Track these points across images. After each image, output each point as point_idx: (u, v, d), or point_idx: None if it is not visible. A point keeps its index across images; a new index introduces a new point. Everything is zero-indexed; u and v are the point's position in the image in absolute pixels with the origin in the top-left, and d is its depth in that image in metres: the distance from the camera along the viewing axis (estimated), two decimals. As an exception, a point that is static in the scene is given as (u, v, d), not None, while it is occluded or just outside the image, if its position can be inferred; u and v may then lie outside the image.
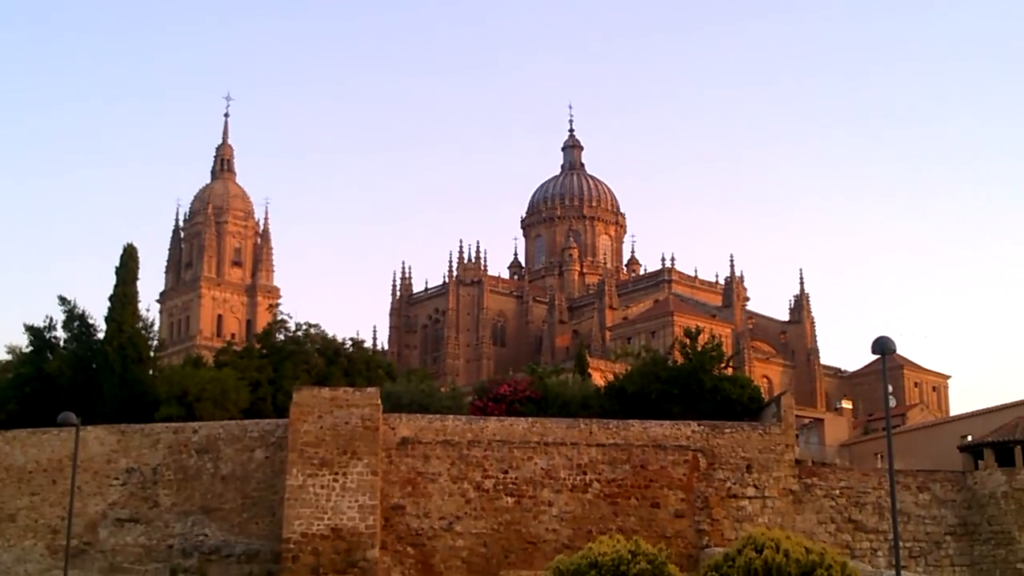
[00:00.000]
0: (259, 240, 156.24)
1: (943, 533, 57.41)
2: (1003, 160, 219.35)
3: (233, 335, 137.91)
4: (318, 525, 51.64)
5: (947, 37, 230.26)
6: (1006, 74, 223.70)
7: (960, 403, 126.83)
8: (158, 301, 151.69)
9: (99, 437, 56.71)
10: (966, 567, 56.53)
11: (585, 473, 55.80)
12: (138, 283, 66.51)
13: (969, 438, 61.08)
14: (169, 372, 67.90)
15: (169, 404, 60.36)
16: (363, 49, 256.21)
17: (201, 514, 55.41)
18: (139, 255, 66.94)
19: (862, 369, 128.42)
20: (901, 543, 54.03)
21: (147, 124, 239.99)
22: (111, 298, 65.05)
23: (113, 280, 65.59)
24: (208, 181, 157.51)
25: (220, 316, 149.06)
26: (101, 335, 65.72)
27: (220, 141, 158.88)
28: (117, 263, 66.17)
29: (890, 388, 45.39)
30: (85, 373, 63.75)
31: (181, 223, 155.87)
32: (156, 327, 75.25)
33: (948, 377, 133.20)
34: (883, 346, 31.54)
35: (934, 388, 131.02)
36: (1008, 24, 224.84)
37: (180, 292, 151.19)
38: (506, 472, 55.42)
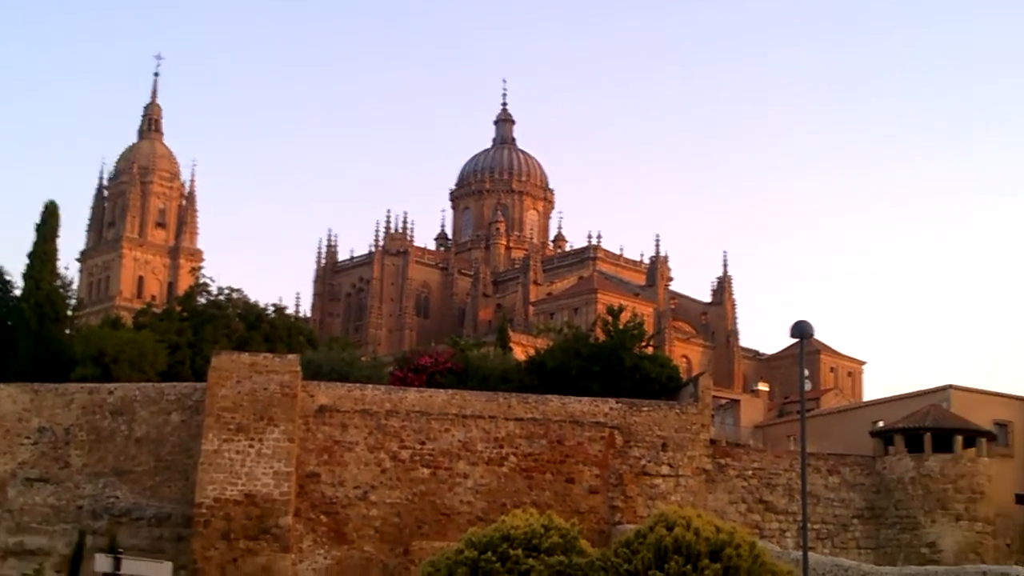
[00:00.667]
0: (184, 202, 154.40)
1: (851, 516, 58.42)
2: (925, 146, 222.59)
3: (154, 297, 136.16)
4: (231, 490, 51.41)
5: (878, 20, 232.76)
6: (935, 62, 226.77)
7: (874, 389, 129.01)
8: (78, 260, 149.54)
9: (12, 395, 55.95)
10: (871, 550, 57.55)
11: (502, 447, 56.04)
12: (58, 241, 65.51)
13: (880, 424, 62.14)
14: (87, 332, 66.98)
15: (85, 364, 59.59)
16: (297, 15, 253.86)
17: (113, 476, 54.88)
18: (60, 213, 65.93)
19: (780, 352, 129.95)
20: (809, 525, 54.90)
21: (74, 81, 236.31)
22: (30, 255, 64.02)
23: (33, 237, 64.60)
24: (135, 140, 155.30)
25: (141, 277, 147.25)
26: (18, 292, 64.72)
27: (148, 100, 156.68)
28: (38, 220, 65.15)
29: (807, 372, 45.93)
30: (0, 330, 62.78)
31: (105, 182, 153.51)
32: (75, 286, 74.24)
33: (863, 363, 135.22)
34: (801, 330, 31.86)
35: (849, 374, 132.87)
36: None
37: (101, 251, 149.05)
38: (423, 443, 55.50)
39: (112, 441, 55.56)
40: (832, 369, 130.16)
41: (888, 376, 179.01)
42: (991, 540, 57.61)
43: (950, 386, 62.67)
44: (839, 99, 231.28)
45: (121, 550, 50.69)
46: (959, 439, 58.06)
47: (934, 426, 58.31)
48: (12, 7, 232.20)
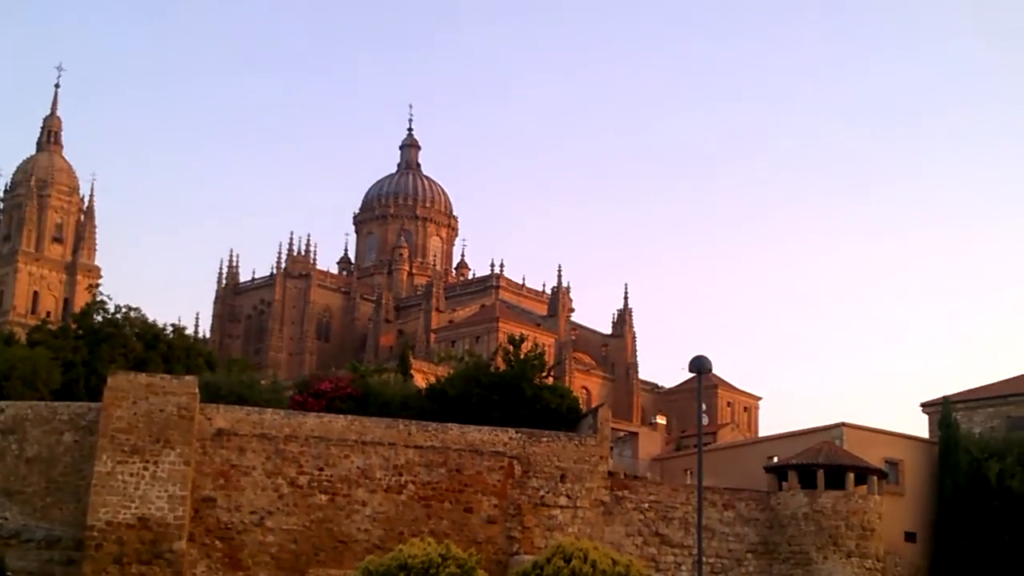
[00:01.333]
0: (83, 217, 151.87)
1: (745, 551, 59.08)
2: (826, 178, 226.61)
3: (49, 313, 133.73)
4: (125, 514, 50.62)
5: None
6: (834, 92, 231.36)
7: (769, 425, 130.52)
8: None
9: (-102, 411, 54.54)
10: (764, 585, 58.26)
11: (401, 474, 55.87)
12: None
13: (775, 459, 62.96)
14: (-23, 348, 65.71)
15: (-25, 381, 58.43)
16: (202, 34, 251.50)
17: (2, 497, 53.63)
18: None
19: (678, 386, 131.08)
20: (704, 559, 55.38)
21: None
22: (-80, 267, 62.72)
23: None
24: (33, 152, 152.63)
25: (36, 293, 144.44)
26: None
27: (48, 112, 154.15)
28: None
29: (704, 407, 46.58)
30: None
31: (1, 194, 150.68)
32: (-33, 300, 72.73)
33: (759, 399, 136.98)
34: (699, 365, 32.35)
35: (745, 408, 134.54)
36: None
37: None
38: (322, 469, 55.13)
39: (1, 460, 54.33)
40: (729, 404, 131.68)
41: (783, 412, 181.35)
42: (881, 577, 58.64)
43: (843, 423, 63.71)
44: (737, 132, 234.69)
45: (10, 573, 49.72)
46: (851, 476, 59.09)
47: (827, 463, 59.27)
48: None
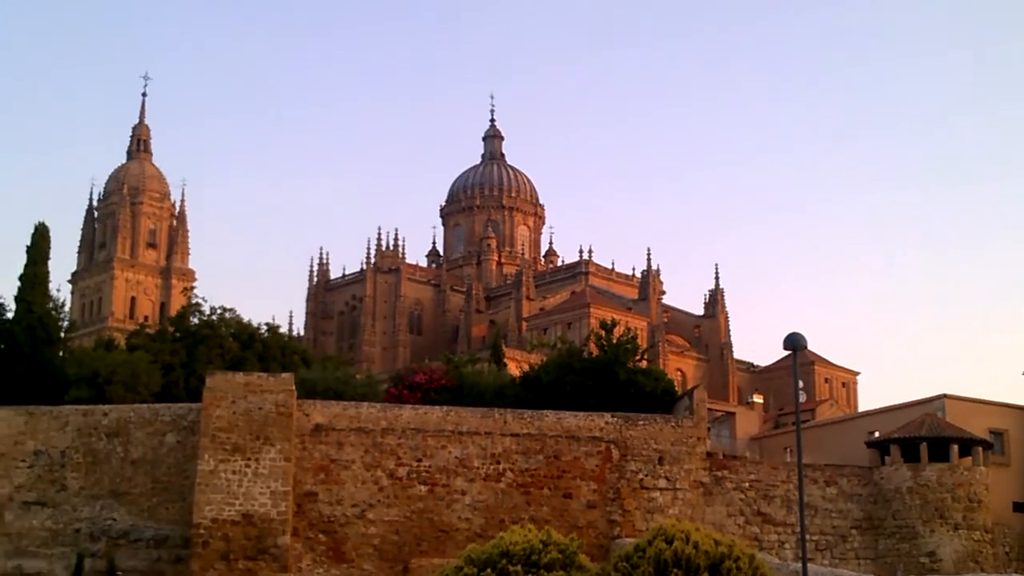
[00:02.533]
0: (175, 222, 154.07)
1: (849, 527, 58.46)
2: (914, 161, 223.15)
3: (146, 318, 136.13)
4: (229, 511, 51.31)
5: (852, 38, 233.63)
6: (925, 85, 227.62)
7: (868, 399, 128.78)
8: (70, 282, 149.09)
9: (6, 418, 55.77)
10: (871, 560, 57.60)
11: (499, 462, 56.01)
12: (49, 263, 65.36)
13: (876, 434, 62.19)
14: (80, 354, 66.89)
15: (79, 386, 59.45)
16: (286, 32, 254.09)
17: (110, 498, 54.76)
18: (51, 235, 65.89)
19: (774, 364, 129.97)
20: (808, 536, 54.91)
21: (63, 102, 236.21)
22: (21, 278, 63.93)
23: (24, 260, 64.49)
24: (124, 161, 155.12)
25: (133, 298, 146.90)
26: (10, 315, 64.55)
27: (137, 121, 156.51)
28: (28, 242, 65.06)
29: (800, 384, 46.07)
30: (-7, 354, 62.63)
31: (95, 203, 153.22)
32: (67, 308, 73.99)
33: (858, 374, 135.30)
34: (794, 342, 31.93)
35: (844, 384, 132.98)
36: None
37: (92, 273, 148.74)
38: (420, 460, 55.45)
39: (108, 463, 55.43)
40: (826, 380, 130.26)
41: (883, 386, 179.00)
42: (990, 548, 57.72)
43: (944, 395, 62.76)
44: (833, 111, 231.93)
45: (120, 572, 50.78)
46: (955, 448, 58.19)
47: (930, 435, 58.43)
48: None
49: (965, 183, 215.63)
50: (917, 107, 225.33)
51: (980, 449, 58.94)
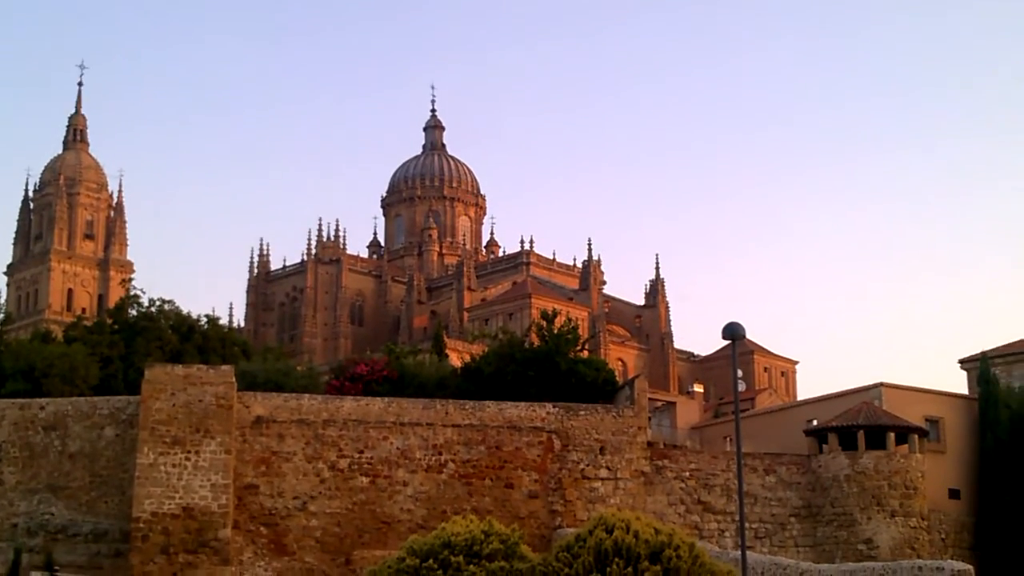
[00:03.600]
0: (112, 213, 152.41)
1: (788, 515, 59.07)
2: (846, 143, 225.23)
3: (84, 310, 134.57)
4: (169, 504, 51.03)
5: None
6: (854, 64, 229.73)
7: (807, 388, 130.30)
8: (5, 274, 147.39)
9: (-59, 412, 55.05)
10: (809, 548, 58.24)
11: (440, 453, 56.06)
12: (-17, 255, 64.69)
13: (814, 422, 62.81)
14: (16, 346, 66.14)
15: (15, 379, 58.85)
16: (222, 19, 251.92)
17: (47, 492, 54.22)
18: (-15, 227, 65.15)
19: (714, 354, 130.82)
20: (747, 524, 55.41)
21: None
22: (-45, 270, 63.20)
23: (-42, 252, 63.74)
24: (60, 151, 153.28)
25: (71, 290, 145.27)
26: (-55, 308, 63.78)
27: (73, 110, 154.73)
28: (-37, 234, 64.27)
29: (740, 373, 46.37)
30: (-74, 346, 61.87)
31: (31, 194, 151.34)
32: (3, 300, 73.18)
33: (796, 363, 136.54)
34: (733, 331, 32.18)
35: (783, 373, 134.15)
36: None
37: (29, 265, 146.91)
38: (361, 452, 55.39)
39: (45, 457, 54.86)
40: (766, 369, 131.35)
41: (821, 375, 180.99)
42: (926, 535, 58.53)
43: (881, 384, 63.49)
44: (765, 97, 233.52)
45: (58, 567, 50.29)
46: (892, 436, 58.90)
47: (867, 423, 59.10)
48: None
49: (898, 167, 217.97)
50: (850, 85, 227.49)
51: (916, 437, 59.71)
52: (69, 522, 53.50)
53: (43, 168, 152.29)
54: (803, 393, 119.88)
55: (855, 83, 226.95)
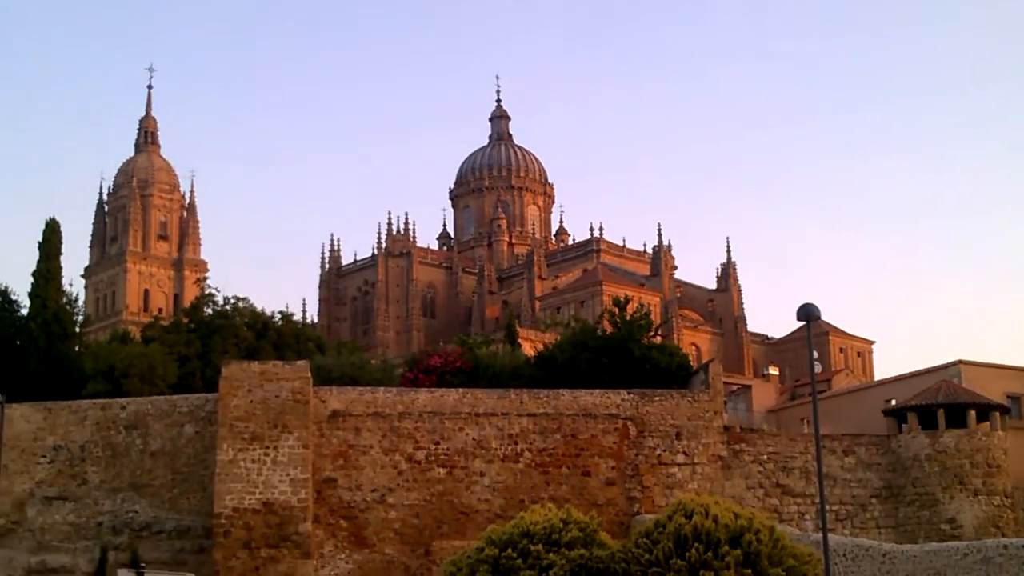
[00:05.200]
0: (185, 213, 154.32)
1: (869, 496, 58.42)
2: (928, 129, 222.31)
3: (160, 310, 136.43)
4: (250, 499, 51.47)
5: (878, 15, 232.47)
6: (949, 55, 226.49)
7: (884, 368, 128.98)
8: (83, 276, 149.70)
9: (25, 415, 55.94)
10: (891, 528, 57.57)
11: (516, 443, 56.07)
12: (62, 258, 65.53)
13: (893, 402, 62.05)
14: (95, 348, 67.09)
15: (96, 380, 59.65)
16: (291, 19, 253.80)
17: (131, 491, 54.98)
18: (62, 230, 66.05)
19: (788, 336, 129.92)
20: (828, 506, 54.89)
21: (69, 97, 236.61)
22: (34, 274, 64.14)
23: (36, 256, 64.68)
24: (132, 154, 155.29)
25: (147, 291, 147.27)
26: (24, 311, 64.76)
27: (143, 113, 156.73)
28: (40, 238, 65.22)
29: (815, 354, 45.88)
30: (9, 350, 62.80)
31: (105, 197, 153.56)
32: (81, 302, 74.15)
33: (872, 343, 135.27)
34: (808, 313, 31.87)
35: (859, 354, 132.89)
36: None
37: (105, 267, 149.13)
38: (437, 443, 55.54)
39: (128, 456, 55.63)
40: (841, 350, 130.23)
41: (898, 354, 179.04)
42: (1010, 513, 57.59)
43: (960, 361, 62.59)
44: (844, 77, 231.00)
45: (143, 564, 51.02)
46: (972, 414, 58.01)
47: (947, 402, 58.26)
48: (2, 25, 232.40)
49: (980, 149, 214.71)
50: (933, 71, 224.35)
51: (997, 414, 58.77)
52: (153, 519, 54.24)
53: (116, 171, 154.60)
54: (880, 373, 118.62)
55: (930, 58, 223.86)
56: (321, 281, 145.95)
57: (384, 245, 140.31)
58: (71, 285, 69.69)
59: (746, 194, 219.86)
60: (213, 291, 73.19)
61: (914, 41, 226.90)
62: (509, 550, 36.95)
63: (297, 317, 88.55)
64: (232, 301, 70.81)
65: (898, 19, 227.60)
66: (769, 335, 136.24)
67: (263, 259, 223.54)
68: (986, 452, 57.47)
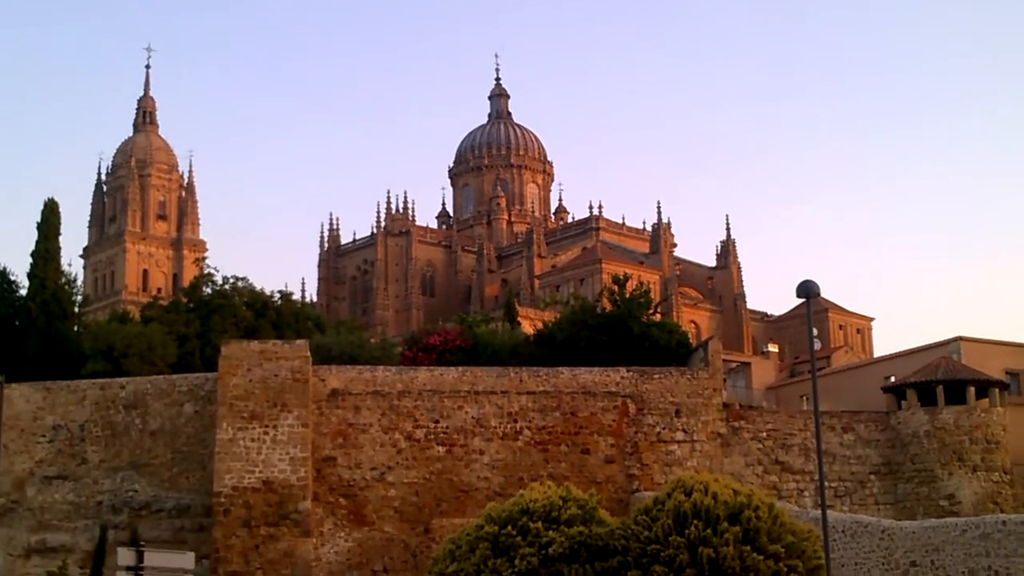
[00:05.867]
0: (184, 193, 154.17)
1: (867, 472, 58.49)
2: (923, 106, 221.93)
3: (159, 289, 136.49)
4: (249, 478, 51.57)
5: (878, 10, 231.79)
6: (933, 29, 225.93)
7: (884, 345, 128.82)
8: (82, 256, 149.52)
9: (24, 394, 55.95)
10: (890, 505, 57.65)
11: (516, 421, 56.10)
12: (60, 238, 65.50)
13: (892, 379, 62.08)
14: (94, 328, 67.11)
15: (95, 360, 59.67)
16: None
17: (130, 470, 55.07)
18: (61, 210, 65.99)
19: (788, 313, 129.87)
20: (827, 483, 54.88)
21: (67, 77, 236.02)
22: (33, 254, 64.10)
23: (35, 236, 64.61)
24: (130, 134, 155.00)
25: (146, 271, 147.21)
26: (23, 292, 64.73)
27: (142, 93, 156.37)
28: (38, 219, 65.15)
29: (815, 331, 45.86)
30: (8, 330, 62.77)
31: (103, 177, 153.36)
32: (80, 283, 74.04)
33: (872, 319, 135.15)
34: (807, 290, 31.78)
35: (858, 330, 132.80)
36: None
37: (104, 247, 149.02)
38: (437, 422, 55.58)
39: (127, 435, 55.68)
40: (841, 327, 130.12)
41: (897, 331, 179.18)
42: (1009, 489, 57.69)
43: (960, 338, 62.63)
44: (838, 49, 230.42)
45: (143, 543, 50.89)
46: (972, 390, 58.04)
47: (946, 378, 58.28)
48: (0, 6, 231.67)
49: (980, 124, 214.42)
50: (925, 41, 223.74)
51: (997, 390, 58.81)
52: (152, 498, 54.34)
53: (115, 151, 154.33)
54: (879, 350, 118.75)
55: (928, 35, 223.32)
56: (320, 260, 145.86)
57: (383, 224, 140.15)
58: (70, 265, 69.73)
59: (745, 171, 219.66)
60: (212, 271, 73.22)
61: (914, 10, 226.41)
62: (509, 528, 37.06)
63: (296, 296, 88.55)
64: (231, 281, 70.78)
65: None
66: (768, 312, 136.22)
67: (262, 238, 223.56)
68: (985, 428, 57.51)
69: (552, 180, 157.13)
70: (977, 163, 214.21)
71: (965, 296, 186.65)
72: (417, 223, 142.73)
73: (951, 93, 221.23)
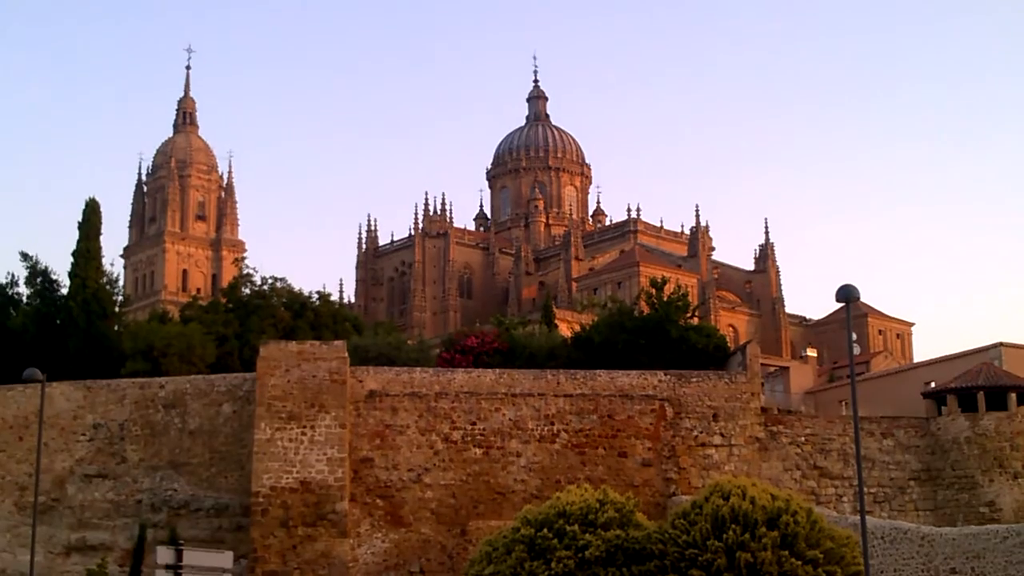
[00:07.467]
0: (223, 194, 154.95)
1: (907, 478, 58.04)
2: (964, 111, 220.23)
3: (198, 289, 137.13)
4: (287, 478, 51.77)
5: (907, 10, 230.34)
6: (979, 26, 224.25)
7: (924, 350, 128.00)
8: (122, 256, 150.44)
9: (65, 393, 56.47)
10: (930, 511, 57.22)
11: (553, 423, 56.04)
12: (101, 238, 66.15)
13: (932, 385, 61.60)
14: (134, 327, 67.55)
15: (135, 359, 60.11)
16: (326, 1, 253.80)
17: (169, 469, 55.45)
18: (102, 210, 66.55)
19: (827, 317, 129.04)
20: (866, 489, 54.52)
21: (108, 78, 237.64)
22: (74, 253, 64.66)
23: (76, 235, 65.13)
24: (170, 134, 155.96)
25: (185, 271, 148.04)
26: (65, 291, 65.29)
27: (182, 94, 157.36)
28: (80, 218, 65.69)
29: (854, 336, 45.64)
30: (49, 329, 63.37)
31: (144, 177, 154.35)
32: (120, 282, 74.57)
33: (912, 324, 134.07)
34: (847, 294, 31.64)
35: (898, 335, 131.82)
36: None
37: (144, 247, 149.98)
38: (474, 423, 55.60)
39: (166, 434, 56.05)
40: (880, 332, 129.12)
41: (938, 336, 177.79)
42: (1050, 497, 57.10)
43: (1001, 343, 62.06)
44: (886, 56, 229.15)
45: (182, 541, 51.25)
46: (1013, 396, 57.49)
47: (987, 384, 57.74)
48: (42, 8, 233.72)
49: (1018, 126, 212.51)
50: (961, 45, 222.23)
51: (1038, 397, 58.25)
52: (191, 497, 54.71)
53: (155, 152, 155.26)
54: (920, 355, 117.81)
55: (974, 32, 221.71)
56: (358, 262, 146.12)
57: (421, 226, 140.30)
58: (111, 265, 70.32)
59: (785, 174, 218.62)
60: (251, 271, 73.52)
61: (961, 16, 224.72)
62: (545, 530, 37.09)
63: (334, 297, 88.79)
64: (270, 281, 71.11)
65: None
66: (807, 316, 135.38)
67: (300, 239, 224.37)
68: (1026, 435, 56.91)
69: (590, 183, 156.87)
70: (1020, 167, 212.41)
71: (1007, 301, 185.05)
72: (455, 225, 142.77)
73: (995, 96, 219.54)
